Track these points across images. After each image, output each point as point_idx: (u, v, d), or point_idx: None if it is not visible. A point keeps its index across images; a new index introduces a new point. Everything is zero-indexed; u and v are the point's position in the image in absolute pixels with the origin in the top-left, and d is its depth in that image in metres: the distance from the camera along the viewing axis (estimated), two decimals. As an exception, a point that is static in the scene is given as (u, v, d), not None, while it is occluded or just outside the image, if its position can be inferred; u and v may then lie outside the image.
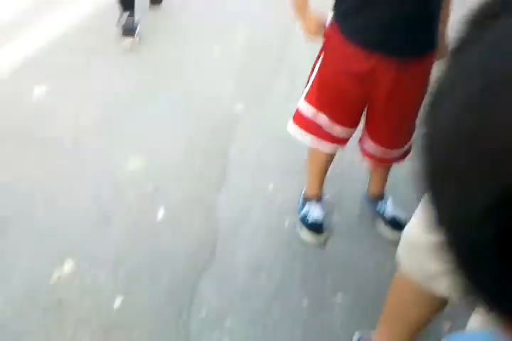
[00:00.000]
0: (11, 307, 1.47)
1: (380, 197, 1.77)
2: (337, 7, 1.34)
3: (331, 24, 1.36)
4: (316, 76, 1.44)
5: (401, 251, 1.06)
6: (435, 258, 0.79)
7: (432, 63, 1.36)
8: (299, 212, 1.77)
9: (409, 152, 1.56)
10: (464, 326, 1.37)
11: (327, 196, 1.82)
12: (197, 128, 2.28)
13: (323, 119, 1.47)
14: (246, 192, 1.94)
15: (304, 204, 1.76)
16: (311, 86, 1.47)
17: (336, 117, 1.45)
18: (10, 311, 1.46)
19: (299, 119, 1.55)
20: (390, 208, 1.75)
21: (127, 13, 2.68)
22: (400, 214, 1.75)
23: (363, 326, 1.37)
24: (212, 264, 1.63)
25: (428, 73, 1.36)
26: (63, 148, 2.13)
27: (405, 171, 1.82)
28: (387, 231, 1.73)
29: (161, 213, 1.83)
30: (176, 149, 2.15)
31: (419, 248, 0.98)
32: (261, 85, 2.63)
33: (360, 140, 1.57)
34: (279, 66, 2.67)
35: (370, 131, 1.49)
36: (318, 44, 1.47)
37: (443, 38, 1.38)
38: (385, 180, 1.74)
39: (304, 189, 1.79)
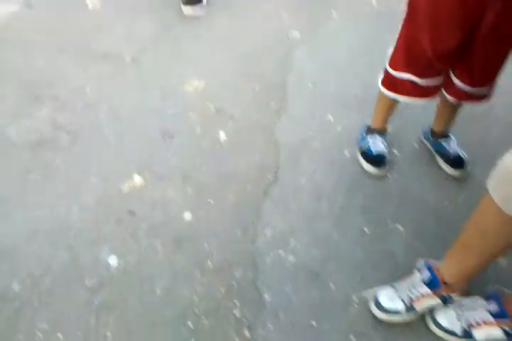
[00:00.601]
0: (87, 214, 1.55)
1: (444, 135, 1.77)
2: None
3: None
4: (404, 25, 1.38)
5: (495, 181, 1.07)
6: None
7: None
8: (360, 143, 1.79)
9: (492, 92, 1.53)
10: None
11: (389, 129, 1.82)
12: (254, 55, 2.24)
13: (412, 79, 1.44)
14: (305, 121, 1.94)
15: (367, 136, 1.77)
16: (397, 48, 1.44)
17: (427, 71, 1.41)
18: (86, 219, 1.54)
19: (387, 82, 1.53)
20: (453, 146, 1.76)
21: None
22: (463, 153, 1.76)
23: (424, 255, 1.42)
24: (274, 187, 1.68)
25: None
26: (123, 64, 2.13)
27: (472, 113, 1.81)
28: (448, 169, 1.75)
29: (222, 135, 1.86)
30: (235, 74, 2.13)
31: None
32: (315, 15, 2.54)
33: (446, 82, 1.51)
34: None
35: (463, 69, 1.42)
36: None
37: None
38: (452, 118, 1.73)
39: (370, 121, 1.79)
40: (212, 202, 1.63)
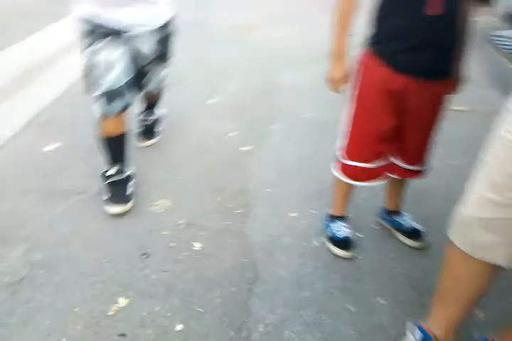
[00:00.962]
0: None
1: (397, 212, 1.97)
2: (376, 35, 1.54)
3: (366, 51, 1.58)
4: (352, 116, 1.67)
5: (455, 230, 1.24)
6: (490, 232, 1.05)
7: (451, 87, 1.61)
8: (326, 231, 1.94)
9: (424, 171, 1.79)
10: (497, 316, 1.54)
11: (349, 215, 2.00)
12: (213, 170, 2.47)
13: (362, 165, 1.70)
14: (271, 221, 2.10)
15: (330, 224, 1.94)
16: (345, 140, 1.72)
17: (373, 156, 1.68)
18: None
19: (341, 170, 1.78)
20: (408, 221, 1.95)
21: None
22: (418, 226, 1.94)
23: (410, 320, 1.50)
24: (257, 284, 1.75)
25: (446, 96, 1.61)
26: (90, 196, 2.26)
27: (418, 188, 2.06)
28: (408, 241, 1.92)
29: (197, 245, 1.96)
30: (198, 189, 2.32)
31: (473, 226, 1.17)
32: (260, 129, 2.88)
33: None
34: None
35: (397, 150, 1.70)
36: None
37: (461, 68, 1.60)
38: (400, 195, 1.95)
39: (330, 210, 1.97)
40: (200, 309, 1.66)
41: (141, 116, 2.69)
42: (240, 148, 2.68)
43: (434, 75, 1.52)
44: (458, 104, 2.99)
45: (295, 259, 1.88)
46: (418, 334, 1.39)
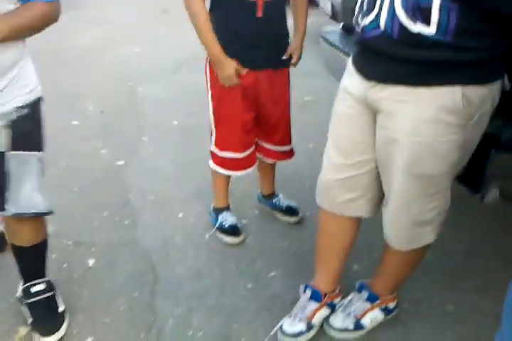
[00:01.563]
0: None
1: (272, 194, 2.18)
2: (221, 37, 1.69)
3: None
4: (214, 113, 1.84)
5: (320, 195, 1.46)
6: (344, 191, 1.34)
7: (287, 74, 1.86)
8: (214, 223, 2.08)
9: (293, 151, 2.03)
10: (368, 266, 1.79)
11: (231, 205, 2.17)
12: (92, 188, 2.46)
13: (233, 156, 1.88)
14: (161, 224, 2.18)
15: (217, 216, 2.08)
16: (214, 129, 1.88)
17: (241, 146, 1.86)
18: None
19: (216, 162, 1.94)
20: (283, 200, 2.17)
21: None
22: (292, 203, 2.17)
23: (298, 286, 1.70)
24: (158, 284, 1.83)
25: (288, 80, 1.88)
26: None
27: (286, 171, 2.29)
28: (286, 218, 2.14)
29: (91, 261, 1.97)
30: (82, 208, 2.31)
31: (331, 187, 1.40)
32: (131, 143, 2.91)
33: (257, 148, 1.97)
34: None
35: (265, 135, 1.92)
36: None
37: (298, 47, 1.81)
38: (273, 179, 2.17)
39: (213, 203, 2.11)
40: (106, 320, 1.69)
41: None
42: (115, 163, 2.71)
43: (274, 65, 1.78)
44: (306, 95, 3.34)
45: (190, 254, 1.98)
46: (308, 292, 1.59)
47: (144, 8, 6.20)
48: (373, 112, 1.25)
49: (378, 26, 1.10)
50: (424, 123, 1.13)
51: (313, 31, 5.16)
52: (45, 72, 4.16)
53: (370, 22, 1.12)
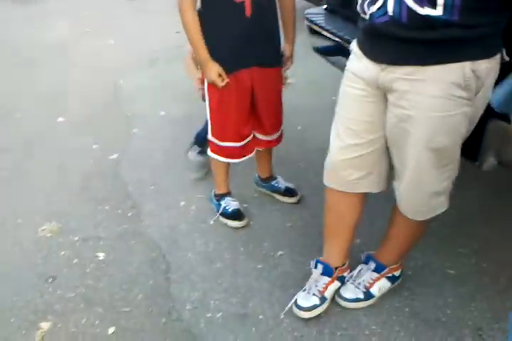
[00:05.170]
0: None
1: (271, 177, 2.25)
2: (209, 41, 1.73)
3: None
4: (210, 107, 1.88)
5: (327, 176, 1.53)
6: (352, 170, 1.43)
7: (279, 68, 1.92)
8: (217, 209, 2.13)
9: (281, 136, 2.10)
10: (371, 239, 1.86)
11: (232, 190, 2.22)
12: (86, 184, 2.48)
13: (232, 145, 1.93)
14: (165, 212, 2.23)
15: (219, 201, 2.13)
16: (212, 123, 1.93)
17: (239, 137, 1.92)
18: None
19: (215, 150, 1.99)
20: (281, 182, 2.24)
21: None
22: (290, 184, 2.24)
23: (308, 261, 1.78)
24: (171, 271, 1.88)
25: (280, 77, 1.93)
26: None
27: (281, 154, 2.35)
28: (286, 199, 2.21)
29: (101, 255, 2.01)
30: (80, 203, 2.33)
31: (340, 167, 1.47)
32: (122, 136, 2.93)
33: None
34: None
35: (258, 125, 1.97)
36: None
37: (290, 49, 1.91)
38: (271, 162, 2.24)
39: (215, 190, 2.17)
40: (126, 309, 1.74)
41: None
42: (109, 157, 2.72)
43: (266, 63, 1.83)
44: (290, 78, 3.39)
45: (198, 240, 2.04)
46: (320, 267, 1.67)
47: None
48: (384, 93, 1.32)
49: (386, 12, 1.16)
50: (437, 98, 1.21)
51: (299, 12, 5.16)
52: (16, 72, 4.13)
53: (378, 8, 1.18)
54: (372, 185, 1.50)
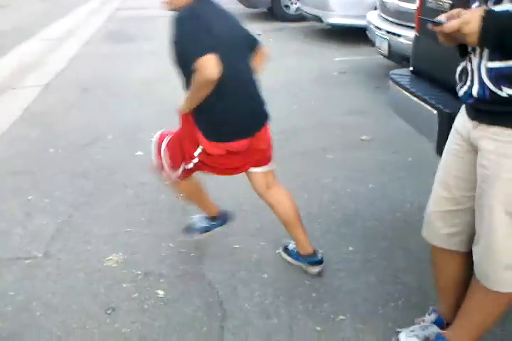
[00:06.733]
0: None
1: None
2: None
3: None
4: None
5: (424, 228, 1.56)
6: (443, 224, 1.43)
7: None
8: (297, 260, 2.14)
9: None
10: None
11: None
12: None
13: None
14: (225, 259, 2.23)
15: (301, 257, 2.12)
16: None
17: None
18: None
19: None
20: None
21: None
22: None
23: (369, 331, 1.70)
24: (227, 320, 1.86)
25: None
26: (38, 261, 2.23)
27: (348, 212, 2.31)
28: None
29: (161, 293, 2.03)
30: (146, 239, 2.39)
31: (432, 220, 1.50)
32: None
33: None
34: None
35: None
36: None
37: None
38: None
39: (300, 250, 2.12)
40: (178, 353, 1.73)
41: None
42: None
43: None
44: (362, 134, 3.38)
45: (256, 291, 2.01)
46: (434, 316, 1.68)
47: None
48: (476, 151, 1.34)
49: (471, 95, 1.27)
50: None
51: (366, 68, 5.24)
52: (106, 104, 4.40)
53: (465, 92, 1.30)
54: (461, 245, 1.48)
